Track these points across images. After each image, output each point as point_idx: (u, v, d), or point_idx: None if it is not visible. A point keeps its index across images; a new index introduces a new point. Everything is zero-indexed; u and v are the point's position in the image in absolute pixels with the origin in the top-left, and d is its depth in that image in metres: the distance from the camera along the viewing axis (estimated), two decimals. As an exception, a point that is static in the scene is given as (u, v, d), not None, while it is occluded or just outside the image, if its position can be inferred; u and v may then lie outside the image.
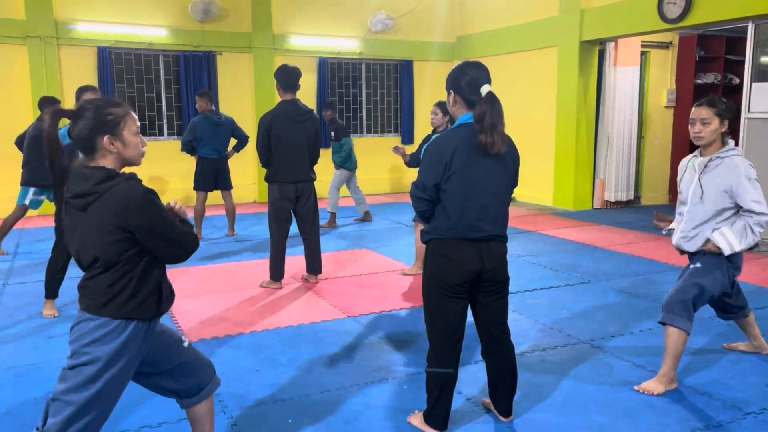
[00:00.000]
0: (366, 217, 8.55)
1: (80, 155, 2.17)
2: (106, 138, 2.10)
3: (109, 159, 2.14)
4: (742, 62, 7.40)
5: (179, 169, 9.39)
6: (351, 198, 8.80)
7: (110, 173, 2.10)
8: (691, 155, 3.41)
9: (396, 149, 5.72)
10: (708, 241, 3.21)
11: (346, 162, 8.14)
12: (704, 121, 3.21)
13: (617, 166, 9.46)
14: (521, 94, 10.07)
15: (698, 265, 3.28)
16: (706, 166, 3.23)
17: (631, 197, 9.76)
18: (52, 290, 4.53)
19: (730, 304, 3.53)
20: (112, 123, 2.11)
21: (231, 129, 7.33)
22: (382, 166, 11.22)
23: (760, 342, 3.76)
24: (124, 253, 2.09)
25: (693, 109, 3.29)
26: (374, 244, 7.03)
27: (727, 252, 3.16)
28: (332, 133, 8.11)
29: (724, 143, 3.26)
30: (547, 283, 5.39)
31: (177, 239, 2.15)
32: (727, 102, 3.27)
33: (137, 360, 2.19)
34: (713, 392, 3.26)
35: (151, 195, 2.10)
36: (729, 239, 3.15)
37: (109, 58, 9.27)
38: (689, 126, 3.31)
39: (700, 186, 3.22)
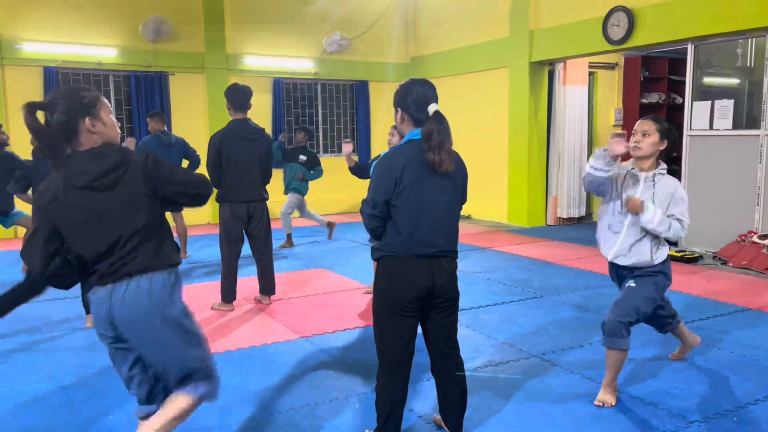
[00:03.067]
0: (331, 226, 8.40)
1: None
2: (87, 120, 2.13)
3: (92, 141, 2.16)
4: (684, 82, 7.69)
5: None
6: (307, 220, 8.75)
7: (118, 147, 2.19)
8: (623, 168, 3.39)
9: (346, 144, 5.68)
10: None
11: (304, 187, 8.10)
12: (645, 133, 3.26)
13: (569, 182, 9.68)
14: (474, 113, 10.24)
15: (632, 284, 3.31)
16: (653, 180, 3.27)
17: (583, 213, 9.98)
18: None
19: (664, 316, 3.63)
20: (90, 105, 2.15)
21: (182, 150, 7.23)
22: (338, 185, 11.20)
23: (693, 338, 3.88)
24: (160, 212, 2.25)
25: (637, 122, 3.36)
26: (330, 264, 6.99)
27: (646, 218, 3.16)
28: (303, 157, 8.01)
29: (658, 164, 3.34)
30: (500, 298, 5.44)
31: (194, 183, 2.31)
32: (672, 125, 3.34)
33: None
34: (659, 402, 3.32)
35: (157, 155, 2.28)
36: (656, 214, 3.17)
37: (56, 78, 9.05)
38: (631, 137, 3.31)
39: (652, 199, 3.23)
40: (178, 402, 2.33)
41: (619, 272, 3.46)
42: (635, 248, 3.28)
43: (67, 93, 2.16)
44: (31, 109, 2.09)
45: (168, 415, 2.31)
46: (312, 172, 8.10)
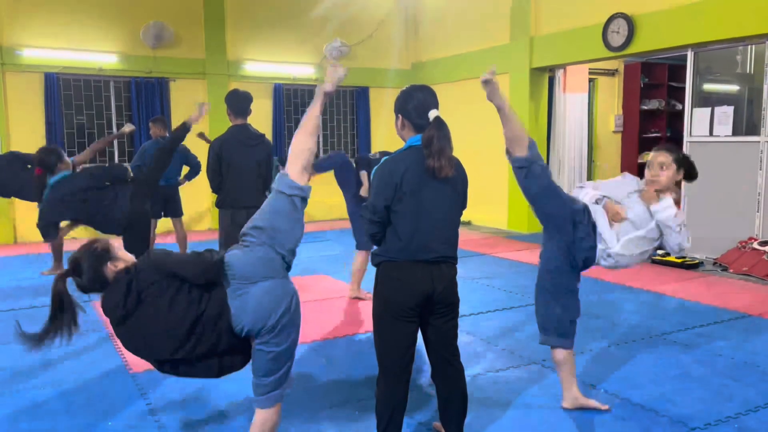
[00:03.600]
0: None
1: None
2: (109, 265, 2.43)
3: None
4: (684, 89, 7.71)
5: (130, 197, 9.18)
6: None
7: (123, 271, 2.42)
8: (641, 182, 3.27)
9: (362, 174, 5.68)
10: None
11: None
12: (662, 165, 3.12)
13: (569, 189, 9.65)
14: (475, 119, 10.23)
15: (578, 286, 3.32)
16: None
17: (583, 220, 9.97)
18: None
19: None
20: (105, 251, 2.44)
21: (183, 156, 7.24)
22: (337, 191, 11.18)
23: None
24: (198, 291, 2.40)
25: (652, 153, 3.22)
26: (330, 270, 6.98)
27: (664, 204, 3.08)
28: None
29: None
30: (500, 304, 5.43)
31: (183, 271, 2.41)
32: (686, 156, 3.22)
33: None
34: (660, 408, 3.31)
35: (153, 254, 2.47)
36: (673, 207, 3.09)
37: (56, 84, 9.07)
38: (646, 169, 3.20)
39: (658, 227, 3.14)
40: None
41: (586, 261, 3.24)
42: (630, 257, 3.17)
43: (85, 253, 2.43)
44: (62, 277, 2.40)
45: None
46: None
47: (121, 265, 2.44)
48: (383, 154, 5.47)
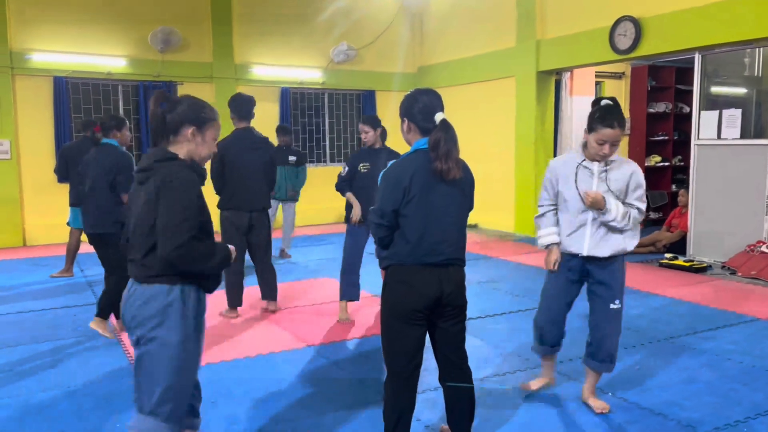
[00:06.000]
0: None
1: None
2: (191, 129, 2.31)
3: (182, 147, 2.32)
4: (691, 92, 7.68)
5: (138, 200, 9.23)
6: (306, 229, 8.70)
7: (169, 155, 2.27)
8: (570, 159, 3.27)
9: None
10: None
11: (298, 194, 7.89)
12: (615, 143, 3.10)
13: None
14: (482, 122, 10.25)
15: (618, 305, 3.24)
16: (606, 170, 3.18)
17: (590, 223, 9.94)
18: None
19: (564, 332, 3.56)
20: (203, 119, 2.33)
21: None
22: (337, 194, 11.20)
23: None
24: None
25: (606, 129, 3.08)
26: (335, 272, 6.97)
27: (608, 218, 3.13)
28: (293, 158, 7.74)
29: None
30: (507, 308, 5.42)
31: (176, 234, 2.17)
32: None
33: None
34: (668, 412, 3.29)
35: (189, 185, 2.23)
36: (618, 211, 3.13)
37: (65, 88, 9.13)
38: (597, 145, 3.12)
39: (609, 188, 3.16)
40: None
41: (587, 266, 3.27)
42: (609, 237, 3.19)
43: (192, 102, 2.34)
44: (158, 98, 2.31)
45: None
46: (298, 177, 7.82)
47: (198, 140, 2.33)
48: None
